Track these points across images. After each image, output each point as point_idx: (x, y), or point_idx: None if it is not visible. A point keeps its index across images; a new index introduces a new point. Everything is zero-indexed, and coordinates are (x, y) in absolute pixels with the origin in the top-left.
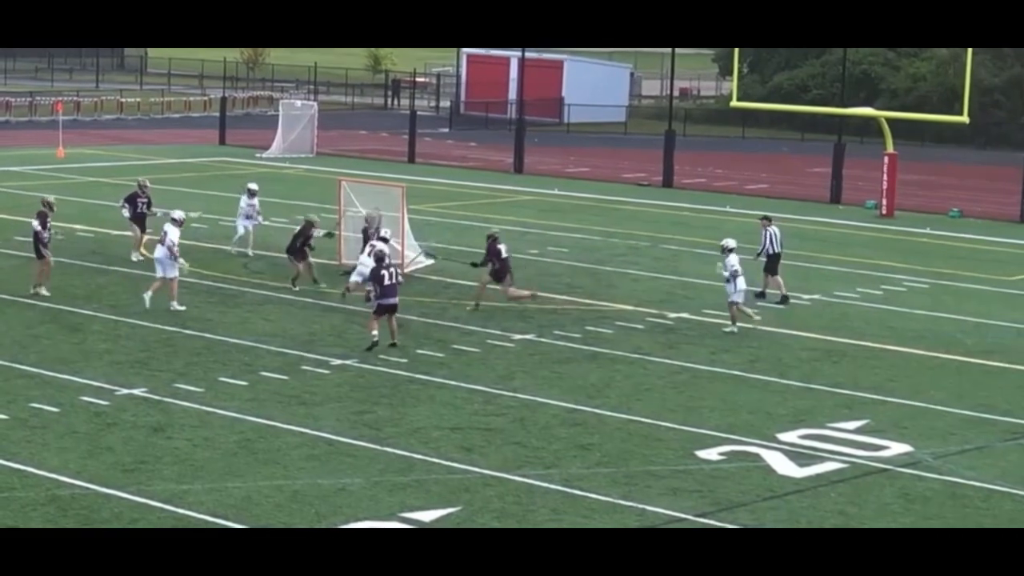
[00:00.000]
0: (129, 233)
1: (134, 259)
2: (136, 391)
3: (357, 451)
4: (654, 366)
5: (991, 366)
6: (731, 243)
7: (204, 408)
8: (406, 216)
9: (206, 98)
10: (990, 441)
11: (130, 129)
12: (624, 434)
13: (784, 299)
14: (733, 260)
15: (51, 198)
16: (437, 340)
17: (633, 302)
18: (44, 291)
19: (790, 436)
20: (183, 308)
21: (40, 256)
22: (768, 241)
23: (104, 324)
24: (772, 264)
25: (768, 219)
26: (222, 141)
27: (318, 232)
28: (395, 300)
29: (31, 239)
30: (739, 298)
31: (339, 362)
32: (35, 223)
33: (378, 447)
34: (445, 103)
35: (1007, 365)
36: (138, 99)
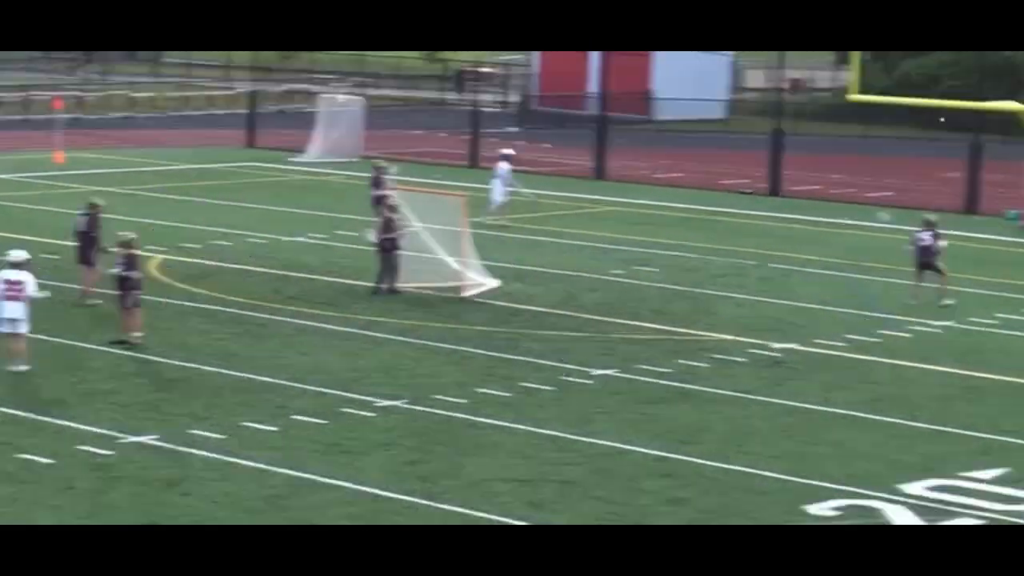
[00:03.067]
0: None
1: None
2: (145, 438)
3: (406, 508)
4: (757, 406)
5: None
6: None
7: (226, 458)
8: (468, 231)
9: (232, 92)
10: None
11: (142, 129)
12: (722, 486)
13: None
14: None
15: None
16: (503, 377)
17: (734, 331)
18: (97, 300)
19: (916, 488)
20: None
21: (89, 263)
22: None
23: (107, 360)
24: None
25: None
26: (251, 143)
27: None
28: None
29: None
30: None
31: (387, 403)
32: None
33: (432, 503)
34: (515, 98)
35: None
36: (152, 93)
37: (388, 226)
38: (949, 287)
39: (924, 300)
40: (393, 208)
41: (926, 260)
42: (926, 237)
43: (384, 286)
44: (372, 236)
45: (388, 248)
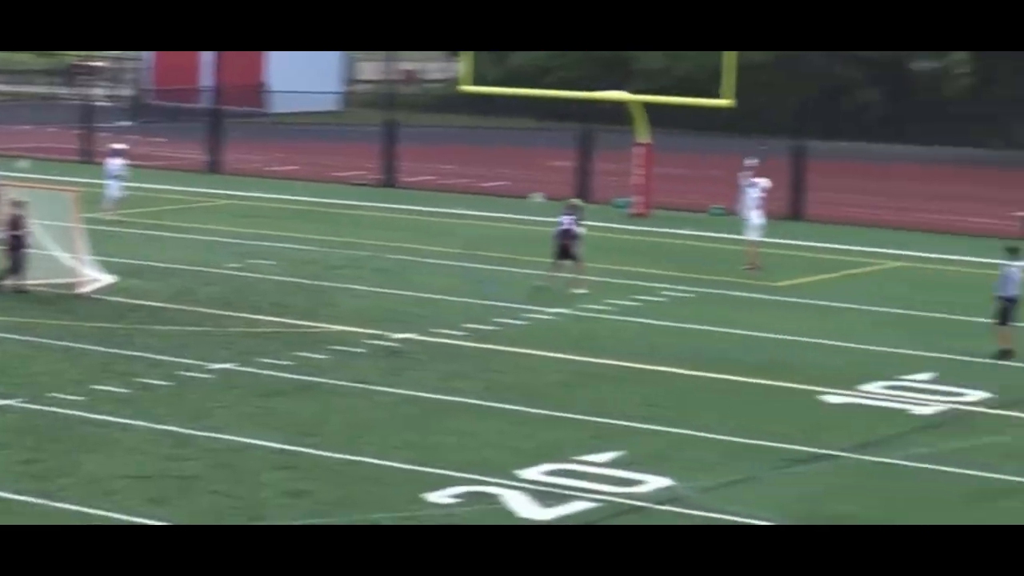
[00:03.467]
0: None
1: None
2: None
3: (22, 508)
4: (378, 396)
5: (762, 385)
6: None
7: None
8: (81, 226)
9: None
10: (761, 471)
11: None
12: (343, 478)
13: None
14: None
15: None
16: (120, 373)
17: (353, 322)
18: None
19: (534, 473)
20: None
21: None
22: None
23: None
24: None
25: None
26: None
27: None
28: None
29: None
30: None
31: (1, 402)
32: None
33: (48, 502)
34: (128, 92)
35: (780, 383)
36: None
37: (15, 223)
38: (563, 275)
39: (555, 287)
40: (19, 204)
41: (564, 244)
42: (566, 221)
43: (7, 283)
44: None
45: (16, 246)
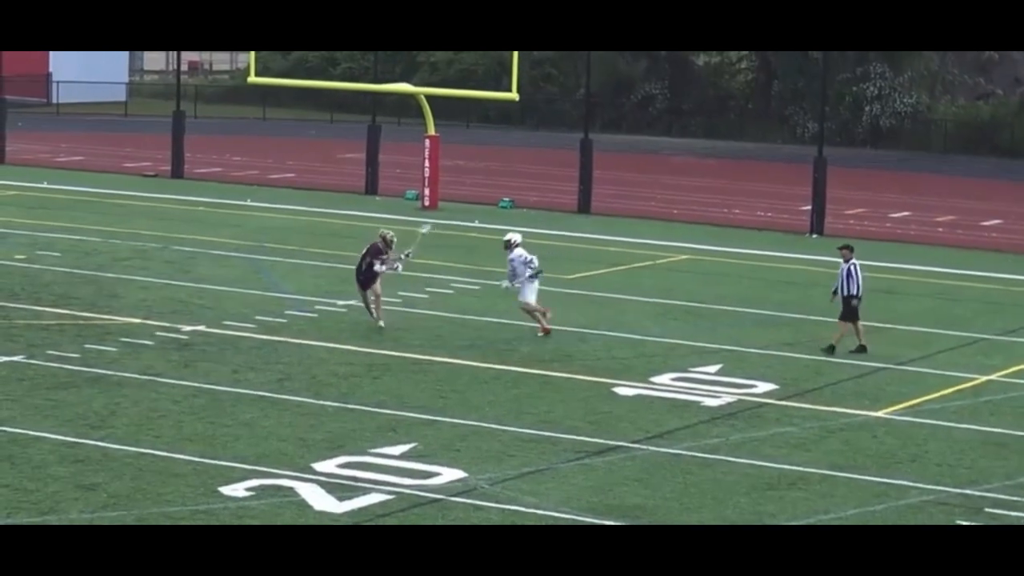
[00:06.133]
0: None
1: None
2: None
3: None
4: (167, 389)
5: (551, 376)
6: None
7: None
8: None
9: None
10: (552, 462)
11: None
12: (134, 470)
13: None
14: None
15: None
16: None
17: (141, 314)
18: None
19: (327, 465)
20: None
21: None
22: None
23: None
24: None
25: None
26: None
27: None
28: None
29: None
30: None
31: None
32: None
33: None
34: None
35: (568, 375)
36: None
37: None
38: (352, 267)
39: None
40: None
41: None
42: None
43: None
44: None
45: None
